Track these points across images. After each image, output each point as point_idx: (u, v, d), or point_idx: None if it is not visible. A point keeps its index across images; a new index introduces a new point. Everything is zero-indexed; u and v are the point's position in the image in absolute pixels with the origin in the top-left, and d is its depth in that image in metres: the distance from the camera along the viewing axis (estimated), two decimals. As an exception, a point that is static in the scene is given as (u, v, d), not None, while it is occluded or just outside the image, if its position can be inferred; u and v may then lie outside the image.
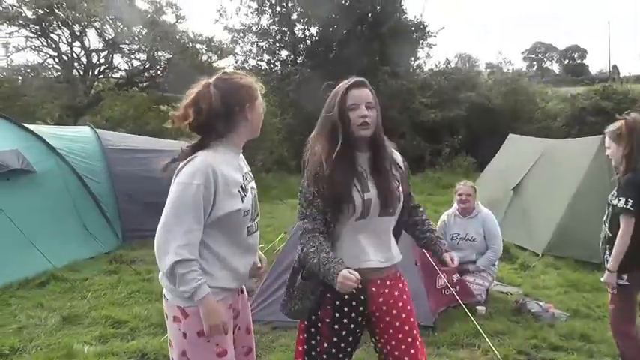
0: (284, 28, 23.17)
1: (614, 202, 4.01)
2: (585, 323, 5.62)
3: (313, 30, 23.34)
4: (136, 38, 21.41)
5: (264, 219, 7.27)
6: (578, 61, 79.44)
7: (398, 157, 3.09)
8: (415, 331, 3.02)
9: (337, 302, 2.91)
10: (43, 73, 21.01)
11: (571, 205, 8.30)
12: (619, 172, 4.07)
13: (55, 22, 20.18)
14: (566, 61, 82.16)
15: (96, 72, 22.18)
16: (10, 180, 7.55)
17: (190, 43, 21.70)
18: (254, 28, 23.16)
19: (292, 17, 23.21)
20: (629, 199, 3.87)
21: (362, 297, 2.92)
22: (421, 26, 23.21)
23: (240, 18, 30.18)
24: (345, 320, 2.93)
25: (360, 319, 2.97)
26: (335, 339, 2.94)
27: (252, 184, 2.89)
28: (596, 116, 19.58)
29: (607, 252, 4.07)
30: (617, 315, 4.17)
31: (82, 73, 21.65)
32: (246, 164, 2.94)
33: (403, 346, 2.96)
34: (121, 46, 21.60)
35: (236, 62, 23.16)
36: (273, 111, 20.16)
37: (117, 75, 22.98)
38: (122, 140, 10.35)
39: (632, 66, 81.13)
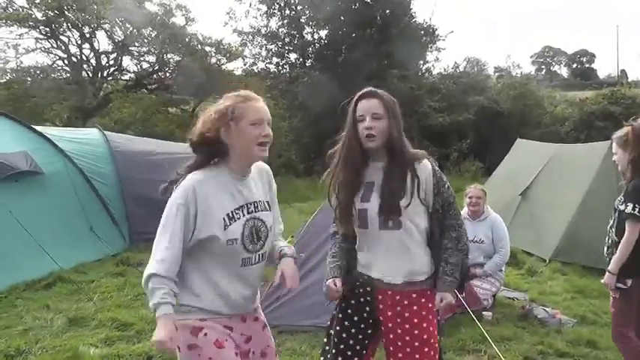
0: (293, 31, 23.22)
1: (621, 207, 4.00)
2: (592, 330, 5.59)
3: (322, 33, 23.40)
4: (146, 40, 21.49)
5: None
6: (587, 66, 79.24)
7: (424, 169, 2.92)
8: (418, 356, 2.92)
9: (345, 299, 3.07)
10: (53, 75, 21.11)
11: (579, 210, 8.27)
12: (626, 177, 4.09)
13: (64, 23, 20.28)
14: (574, 65, 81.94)
15: (105, 74, 22.28)
16: (19, 181, 7.57)
17: (199, 46, 21.75)
18: (263, 31, 23.25)
19: (301, 20, 23.25)
20: (637, 205, 3.88)
21: (368, 298, 3.01)
22: (430, 30, 23.21)
23: (249, 21, 30.36)
24: (349, 310, 3.07)
25: (365, 317, 3.04)
26: (337, 328, 3.09)
27: (262, 214, 2.76)
28: (604, 121, 19.55)
29: (613, 257, 4.07)
30: (618, 318, 4.17)
31: (91, 75, 21.74)
32: (261, 192, 2.81)
33: None
34: (130, 48, 21.68)
35: (245, 65, 23.30)
36: (282, 114, 20.21)
37: (126, 77, 23.10)
38: (130, 143, 10.37)
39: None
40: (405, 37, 21.42)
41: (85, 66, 21.85)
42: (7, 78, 20.24)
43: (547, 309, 6.08)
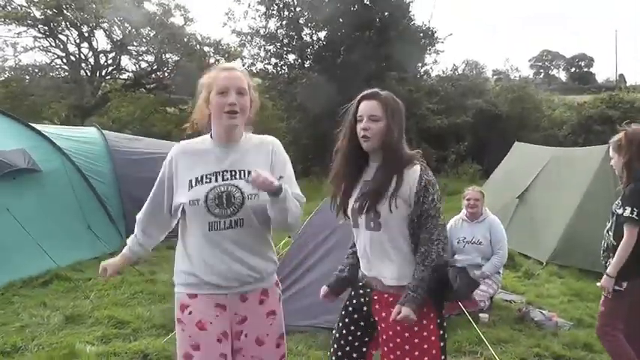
0: (292, 32, 23.22)
1: (619, 211, 4.03)
2: (589, 333, 5.58)
3: (321, 34, 23.41)
4: (144, 40, 21.53)
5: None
6: (585, 70, 79.25)
7: (412, 174, 2.87)
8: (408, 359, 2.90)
9: (351, 293, 3.18)
10: (51, 74, 21.14)
11: (576, 213, 8.27)
12: (622, 182, 4.13)
13: (63, 22, 20.32)
14: (572, 69, 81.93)
15: (103, 73, 22.31)
16: (16, 179, 7.55)
17: (198, 46, 21.80)
18: (262, 32, 23.24)
19: (300, 21, 23.26)
20: (635, 209, 3.90)
21: (367, 298, 3.05)
22: (429, 32, 23.23)
23: (248, 21, 30.39)
24: (350, 308, 3.13)
25: (365, 317, 3.07)
26: (340, 324, 3.16)
27: (241, 182, 2.74)
28: (602, 125, 19.58)
29: (610, 260, 4.10)
30: (606, 318, 4.19)
31: (89, 73, 21.77)
32: (252, 163, 2.76)
33: None
34: (128, 47, 21.71)
35: (243, 65, 23.22)
36: (280, 115, 20.20)
37: (124, 76, 23.14)
38: (128, 142, 10.38)
39: (639, 75, 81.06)
40: (403, 40, 21.44)
41: (83, 65, 21.91)
42: (6, 76, 20.29)
43: (544, 312, 6.08)
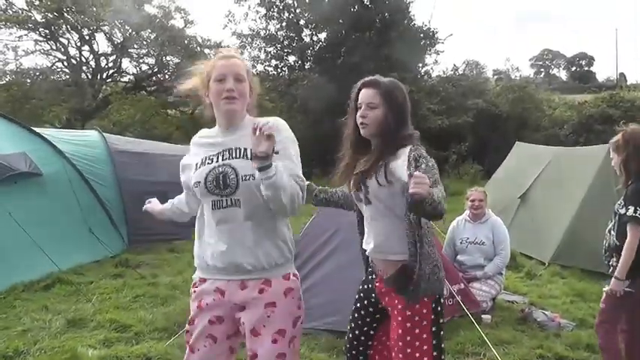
0: (292, 34, 23.23)
1: (622, 211, 4.03)
2: (592, 333, 5.54)
3: (321, 35, 23.40)
4: (145, 42, 21.55)
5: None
6: (586, 69, 79.20)
7: (401, 155, 2.80)
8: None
9: (362, 284, 3.25)
10: (52, 77, 21.17)
11: (578, 213, 8.26)
12: (621, 181, 4.16)
13: (64, 25, 20.34)
14: (573, 69, 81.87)
15: (104, 76, 22.32)
16: (18, 183, 7.55)
17: (199, 48, 21.82)
18: (262, 34, 23.25)
19: (300, 23, 23.26)
20: (638, 208, 3.90)
21: (373, 285, 3.12)
22: (429, 33, 23.22)
23: (248, 23, 30.26)
24: (361, 294, 3.21)
25: (371, 296, 3.14)
26: (353, 308, 3.24)
27: (235, 161, 2.74)
28: (603, 124, 19.55)
29: (613, 259, 4.10)
30: (606, 315, 4.19)
31: (90, 76, 21.79)
32: (248, 142, 2.66)
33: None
34: (129, 50, 21.71)
35: (244, 67, 23.24)
36: (280, 116, 20.20)
37: (125, 79, 23.16)
38: (129, 144, 10.38)
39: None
40: (404, 40, 21.43)
41: (84, 68, 21.93)
42: (7, 80, 20.28)
43: (546, 312, 6.07)
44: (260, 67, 23.69)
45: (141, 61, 22.48)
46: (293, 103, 21.32)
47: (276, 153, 2.64)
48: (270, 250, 2.78)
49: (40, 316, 5.97)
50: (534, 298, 6.85)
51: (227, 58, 2.81)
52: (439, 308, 2.92)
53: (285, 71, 23.89)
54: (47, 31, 20.36)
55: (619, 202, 4.13)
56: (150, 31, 21.22)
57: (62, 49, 21.10)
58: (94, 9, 19.83)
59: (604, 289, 4.15)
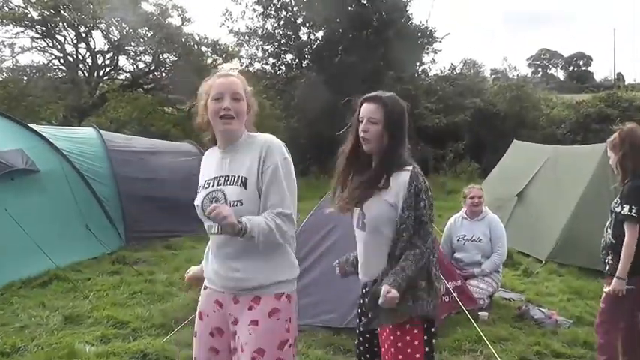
0: (289, 32, 23.17)
1: (618, 209, 4.06)
2: (588, 330, 5.58)
3: (318, 34, 23.34)
4: (142, 40, 21.47)
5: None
6: (583, 68, 79.23)
7: (400, 180, 2.89)
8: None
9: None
10: (49, 74, 21.09)
11: (575, 212, 8.28)
12: (618, 180, 4.19)
13: (60, 23, 20.26)
14: (571, 68, 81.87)
15: (101, 73, 22.24)
16: (15, 180, 7.55)
17: (195, 46, 21.75)
18: (259, 32, 23.17)
19: (297, 21, 23.22)
20: (633, 206, 3.92)
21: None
22: (427, 32, 23.19)
23: (245, 21, 30.11)
24: (359, 310, 3.22)
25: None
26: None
27: (227, 188, 2.75)
28: (600, 124, 19.61)
29: (609, 257, 4.14)
30: (606, 315, 4.22)
31: (87, 74, 21.71)
32: (240, 167, 2.76)
33: None
34: (126, 47, 21.64)
35: (241, 65, 23.19)
36: (278, 115, 20.17)
37: (122, 76, 23.08)
38: (126, 142, 10.36)
39: (638, 73, 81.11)
40: (401, 39, 21.38)
41: (81, 65, 21.85)
42: (3, 77, 20.19)
43: (543, 310, 6.09)
44: (257, 66, 23.68)
45: (138, 58, 22.40)
46: (290, 101, 21.28)
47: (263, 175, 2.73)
48: (261, 269, 2.75)
49: (37, 313, 5.98)
50: (531, 296, 6.87)
51: (225, 76, 2.82)
52: (432, 329, 2.98)
53: (282, 69, 23.84)
54: (44, 29, 20.28)
55: (615, 201, 4.16)
56: (147, 28, 21.11)
57: (59, 47, 21.01)
58: (91, 6, 19.74)
59: (604, 289, 4.17)
